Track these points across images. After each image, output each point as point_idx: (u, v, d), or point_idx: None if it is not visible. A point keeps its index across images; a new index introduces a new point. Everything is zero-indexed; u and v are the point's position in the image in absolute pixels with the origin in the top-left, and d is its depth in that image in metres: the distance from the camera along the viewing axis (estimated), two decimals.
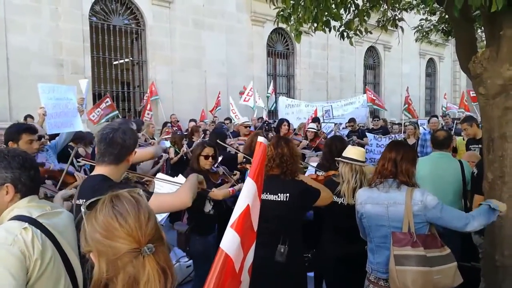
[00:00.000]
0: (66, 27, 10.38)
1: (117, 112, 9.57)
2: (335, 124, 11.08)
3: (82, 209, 1.24)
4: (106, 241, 1.16)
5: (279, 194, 3.00)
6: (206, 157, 3.83)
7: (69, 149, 5.74)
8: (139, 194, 1.27)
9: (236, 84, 13.67)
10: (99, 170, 2.18)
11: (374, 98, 12.11)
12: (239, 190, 3.73)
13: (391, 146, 2.80)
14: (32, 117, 8.18)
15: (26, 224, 1.70)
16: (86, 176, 3.33)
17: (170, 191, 2.98)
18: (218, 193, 3.69)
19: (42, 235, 1.73)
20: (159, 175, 3.24)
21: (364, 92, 15.59)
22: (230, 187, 3.98)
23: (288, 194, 2.94)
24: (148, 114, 11.07)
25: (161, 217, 3.44)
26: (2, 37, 9.35)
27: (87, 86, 6.05)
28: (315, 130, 8.26)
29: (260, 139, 1.67)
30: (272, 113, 13.92)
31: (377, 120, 11.66)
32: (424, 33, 6.93)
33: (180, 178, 3.28)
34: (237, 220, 1.37)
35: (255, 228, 1.58)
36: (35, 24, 9.93)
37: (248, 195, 1.50)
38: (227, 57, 13.90)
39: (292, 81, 16.70)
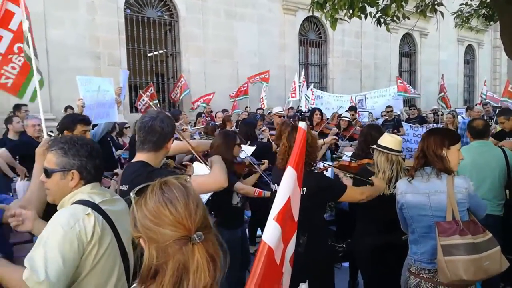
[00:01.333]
0: (102, 20, 10.61)
1: (156, 101, 10.04)
2: (370, 113, 10.89)
3: (132, 195, 1.25)
4: (156, 228, 1.17)
5: None
6: (239, 145, 3.86)
7: (108, 139, 5.94)
8: (186, 180, 1.27)
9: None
10: (140, 156, 2.27)
11: (406, 86, 11.79)
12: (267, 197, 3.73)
13: (423, 135, 2.73)
14: (72, 108, 8.45)
15: (89, 210, 1.75)
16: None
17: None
18: (243, 188, 3.72)
19: (103, 221, 1.78)
20: (195, 164, 3.26)
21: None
22: (257, 188, 3.97)
23: (305, 188, 2.84)
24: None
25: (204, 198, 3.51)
26: (41, 32, 9.63)
27: (125, 77, 6.21)
28: (349, 119, 8.13)
29: (301, 124, 1.64)
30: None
31: (414, 109, 11.33)
32: (464, 19, 6.64)
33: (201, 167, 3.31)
34: (279, 213, 1.34)
35: (296, 218, 1.55)
36: (73, 18, 10.20)
37: (289, 185, 1.47)
38: (259, 47, 13.85)
39: (324, 70, 16.48)
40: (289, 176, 1.49)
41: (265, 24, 14.04)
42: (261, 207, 5.34)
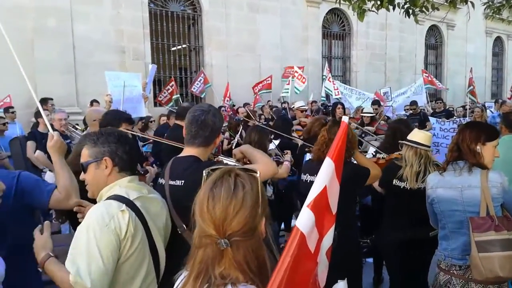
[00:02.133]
0: (127, 14, 10.71)
1: (178, 95, 10.10)
2: (392, 107, 10.70)
3: (204, 173, 1.29)
4: (198, 216, 1.21)
5: None
6: (271, 140, 3.88)
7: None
8: (251, 180, 1.24)
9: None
10: (190, 151, 2.22)
11: (433, 80, 11.52)
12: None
13: (460, 128, 2.67)
14: (98, 102, 8.59)
15: (124, 206, 1.76)
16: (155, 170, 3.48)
17: None
18: (282, 171, 3.68)
19: (136, 218, 1.79)
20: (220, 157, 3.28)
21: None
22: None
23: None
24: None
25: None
26: (68, 27, 9.82)
27: (153, 72, 6.27)
28: (372, 114, 8.01)
29: (344, 118, 1.65)
30: (328, 96, 13.68)
31: (440, 103, 11.08)
32: (495, 9, 6.41)
33: None
34: (313, 200, 1.34)
35: (334, 210, 1.54)
36: (98, 13, 10.33)
37: (326, 175, 1.45)
38: (282, 40, 13.76)
39: (348, 63, 16.25)
40: (327, 166, 1.49)
41: (288, 16, 13.93)
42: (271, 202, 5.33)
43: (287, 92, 12.03)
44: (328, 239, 1.53)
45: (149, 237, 1.86)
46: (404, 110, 10.68)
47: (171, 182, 2.17)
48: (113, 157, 1.90)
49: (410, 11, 4.54)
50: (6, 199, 1.95)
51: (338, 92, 11.57)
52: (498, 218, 2.29)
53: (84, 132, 4.52)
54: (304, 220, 1.28)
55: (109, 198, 1.83)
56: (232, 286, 1.14)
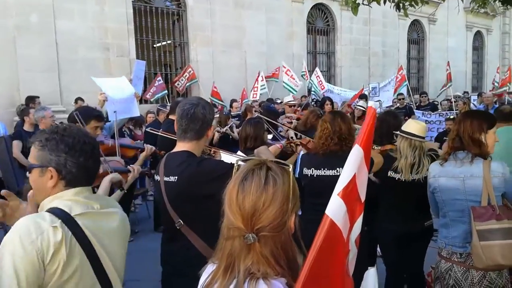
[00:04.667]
0: (111, 11, 10.53)
1: (166, 91, 10.03)
2: (379, 101, 10.81)
3: (236, 164, 1.28)
4: (227, 208, 1.19)
5: (337, 169, 3.00)
6: (267, 131, 3.87)
7: (123, 131, 5.95)
8: (282, 173, 1.20)
9: (276, 63, 13.51)
10: (182, 146, 2.21)
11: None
12: (288, 145, 3.73)
13: (458, 119, 2.71)
14: (82, 100, 8.47)
15: (58, 223, 1.44)
16: (153, 148, 3.43)
17: None
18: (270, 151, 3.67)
19: (73, 239, 1.46)
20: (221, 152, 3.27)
21: (406, 68, 15.05)
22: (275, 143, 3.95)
23: (340, 168, 2.92)
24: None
25: None
26: (50, 23, 9.62)
27: (139, 67, 6.18)
28: (363, 109, 8.08)
29: (371, 103, 1.64)
30: (309, 92, 13.74)
31: (424, 96, 11.23)
32: (481, 3, 6.50)
33: (240, 154, 3.31)
34: (344, 188, 1.34)
35: (363, 199, 1.53)
36: (81, 9, 10.12)
37: (355, 163, 1.44)
38: (267, 36, 13.75)
39: (332, 58, 16.34)
40: (356, 154, 1.47)
41: (273, 12, 13.92)
42: None
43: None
44: (357, 227, 1.53)
45: (95, 264, 1.53)
46: (392, 102, 10.80)
47: (166, 179, 2.17)
48: (60, 169, 1.55)
49: (401, 5, 4.58)
50: None
51: (323, 86, 11.60)
52: (499, 207, 2.34)
53: None
54: (334, 207, 1.29)
55: (47, 210, 1.52)
56: (263, 280, 1.12)
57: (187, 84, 11.35)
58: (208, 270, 1.27)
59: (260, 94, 11.61)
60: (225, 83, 12.41)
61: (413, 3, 4.60)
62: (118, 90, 5.16)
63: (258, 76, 12.01)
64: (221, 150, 3.01)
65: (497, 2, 6.29)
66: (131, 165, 3.02)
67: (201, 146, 2.27)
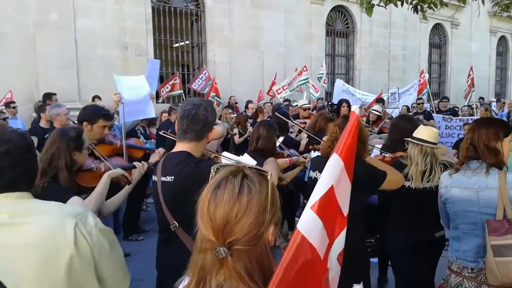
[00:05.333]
0: (130, 10, 10.64)
1: (181, 91, 9.99)
2: (399, 108, 10.59)
3: (213, 170, 1.18)
4: (199, 218, 1.10)
5: None
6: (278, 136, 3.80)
7: (136, 130, 5.96)
8: (260, 181, 1.10)
9: (293, 65, 13.39)
10: (181, 146, 2.18)
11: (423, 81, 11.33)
12: (297, 162, 3.61)
13: (472, 126, 2.57)
14: (99, 98, 8.55)
15: None
16: (163, 150, 3.40)
17: None
18: (280, 162, 3.57)
19: None
20: (224, 153, 3.20)
21: (427, 73, 14.72)
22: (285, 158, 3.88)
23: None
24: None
25: None
26: (70, 22, 9.76)
27: (153, 66, 6.17)
28: (378, 113, 7.94)
29: (353, 108, 1.52)
30: (329, 95, 13.59)
31: (446, 101, 10.94)
32: (504, 7, 6.29)
33: (246, 157, 3.24)
34: (318, 201, 1.20)
35: (345, 212, 1.42)
36: (100, 8, 10.25)
37: (332, 174, 1.31)
38: (285, 38, 13.67)
39: (351, 61, 16.16)
40: (334, 164, 1.35)
41: (292, 13, 13.84)
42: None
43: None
44: (339, 243, 1.41)
45: None
46: (412, 107, 10.57)
47: (163, 179, 2.13)
48: None
49: (419, 7, 4.45)
50: None
51: (316, 89, 11.43)
52: None
53: None
54: (306, 222, 1.16)
55: None
56: None
57: (207, 84, 11.23)
58: (184, 283, 1.19)
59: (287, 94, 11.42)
60: (242, 84, 12.40)
61: (432, 5, 4.46)
62: (134, 90, 5.18)
63: (275, 78, 11.93)
64: (225, 155, 2.94)
65: None
66: (137, 162, 2.99)
67: (201, 147, 2.23)
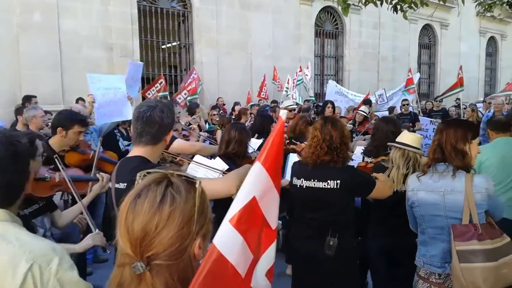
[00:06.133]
0: (115, 10, 10.51)
1: (167, 93, 9.85)
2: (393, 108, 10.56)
3: (138, 177, 1.09)
4: (117, 230, 1.01)
5: (328, 181, 2.77)
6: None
7: (115, 131, 5.83)
8: (188, 190, 1.02)
9: (282, 66, 13.36)
10: (137, 151, 2.07)
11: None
12: None
13: (440, 128, 2.51)
14: (83, 100, 8.40)
15: None
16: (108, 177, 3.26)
17: (204, 176, 2.87)
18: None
19: None
20: (196, 157, 3.11)
21: (417, 73, 14.74)
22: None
23: (338, 181, 2.72)
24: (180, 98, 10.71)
25: None
26: (54, 22, 9.63)
27: (134, 68, 6.04)
28: (365, 114, 7.90)
29: (281, 112, 1.38)
30: (319, 96, 13.54)
31: (440, 101, 10.87)
32: (487, 7, 6.29)
33: (218, 161, 3.16)
34: (238, 214, 1.11)
35: (273, 225, 1.30)
36: (86, 9, 10.12)
37: (254, 184, 1.21)
38: (274, 38, 13.60)
39: (340, 62, 16.11)
40: (256, 174, 1.24)
41: (280, 14, 13.76)
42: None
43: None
44: (267, 258, 1.30)
45: None
46: (400, 108, 10.56)
47: (116, 186, 2.03)
48: None
49: (398, 7, 4.41)
50: None
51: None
52: (482, 225, 2.15)
53: None
54: (224, 237, 1.06)
55: None
56: None
57: (188, 99, 10.95)
58: None
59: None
60: (230, 85, 12.32)
61: (412, 5, 4.42)
62: (110, 90, 5.04)
63: (264, 79, 11.86)
64: (195, 160, 2.86)
65: (505, 5, 6.10)
66: (101, 173, 2.89)
67: (157, 151, 2.12)
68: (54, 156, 2.72)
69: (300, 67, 11.74)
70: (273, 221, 1.31)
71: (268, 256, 1.30)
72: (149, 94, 10.05)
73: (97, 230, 2.42)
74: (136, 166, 1.97)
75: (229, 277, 1.06)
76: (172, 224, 0.97)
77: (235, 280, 1.09)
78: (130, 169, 1.98)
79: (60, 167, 2.61)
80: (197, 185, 1.04)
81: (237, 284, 1.11)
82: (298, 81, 11.59)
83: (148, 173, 1.08)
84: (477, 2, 6.24)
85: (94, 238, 2.36)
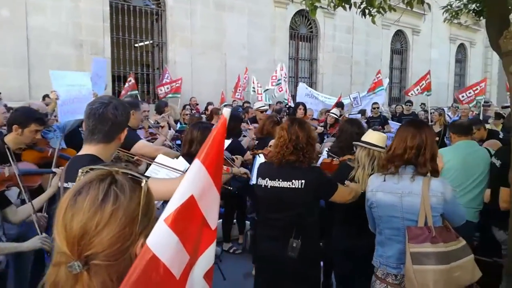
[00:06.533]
0: (86, 7, 10.31)
1: (137, 92, 9.72)
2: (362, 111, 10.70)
3: (80, 173, 1.07)
4: (54, 227, 0.96)
5: (293, 181, 2.76)
6: None
7: (79, 129, 5.67)
8: (133, 188, 0.99)
9: (257, 67, 13.36)
10: (88, 149, 1.97)
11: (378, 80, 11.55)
12: (238, 173, 3.44)
13: (402, 127, 2.52)
14: (49, 97, 8.18)
15: None
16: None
17: (166, 176, 2.81)
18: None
19: None
20: (159, 157, 3.05)
21: (389, 78, 15.03)
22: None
23: (303, 181, 2.72)
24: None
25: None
26: (22, 19, 9.40)
27: (98, 65, 5.93)
28: (336, 116, 7.97)
29: (225, 110, 1.36)
30: (293, 98, 13.57)
31: (410, 105, 11.11)
32: (454, 13, 6.47)
33: (180, 161, 3.10)
34: (174, 213, 1.05)
35: (213, 225, 1.27)
36: (55, 5, 9.90)
37: (192, 182, 1.16)
38: (248, 40, 13.61)
39: (315, 65, 16.27)
40: (195, 172, 1.20)
41: (256, 16, 13.78)
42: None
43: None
44: (206, 259, 1.27)
45: None
46: (371, 112, 10.73)
47: (65, 185, 1.93)
48: None
49: (367, 11, 4.46)
50: None
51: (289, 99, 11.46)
52: (436, 228, 2.17)
53: None
54: (158, 237, 1.00)
55: None
56: None
57: (169, 96, 10.90)
58: None
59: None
60: (204, 85, 12.24)
61: (380, 10, 4.48)
62: (74, 87, 4.92)
63: (238, 80, 11.82)
64: (156, 161, 2.79)
65: (471, 13, 6.27)
66: (60, 167, 2.80)
67: (110, 150, 2.04)
68: (6, 147, 2.61)
69: (283, 67, 11.72)
70: (213, 221, 1.28)
71: (207, 257, 1.27)
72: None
73: (43, 233, 2.34)
74: (85, 165, 1.89)
75: (162, 279, 1.02)
76: (114, 224, 0.93)
77: (168, 282, 1.05)
78: (79, 168, 1.90)
79: (10, 160, 2.51)
80: (142, 184, 1.00)
81: (171, 286, 1.07)
82: (278, 80, 11.59)
83: (92, 169, 1.04)
84: (444, 9, 6.40)
85: (41, 241, 2.27)
